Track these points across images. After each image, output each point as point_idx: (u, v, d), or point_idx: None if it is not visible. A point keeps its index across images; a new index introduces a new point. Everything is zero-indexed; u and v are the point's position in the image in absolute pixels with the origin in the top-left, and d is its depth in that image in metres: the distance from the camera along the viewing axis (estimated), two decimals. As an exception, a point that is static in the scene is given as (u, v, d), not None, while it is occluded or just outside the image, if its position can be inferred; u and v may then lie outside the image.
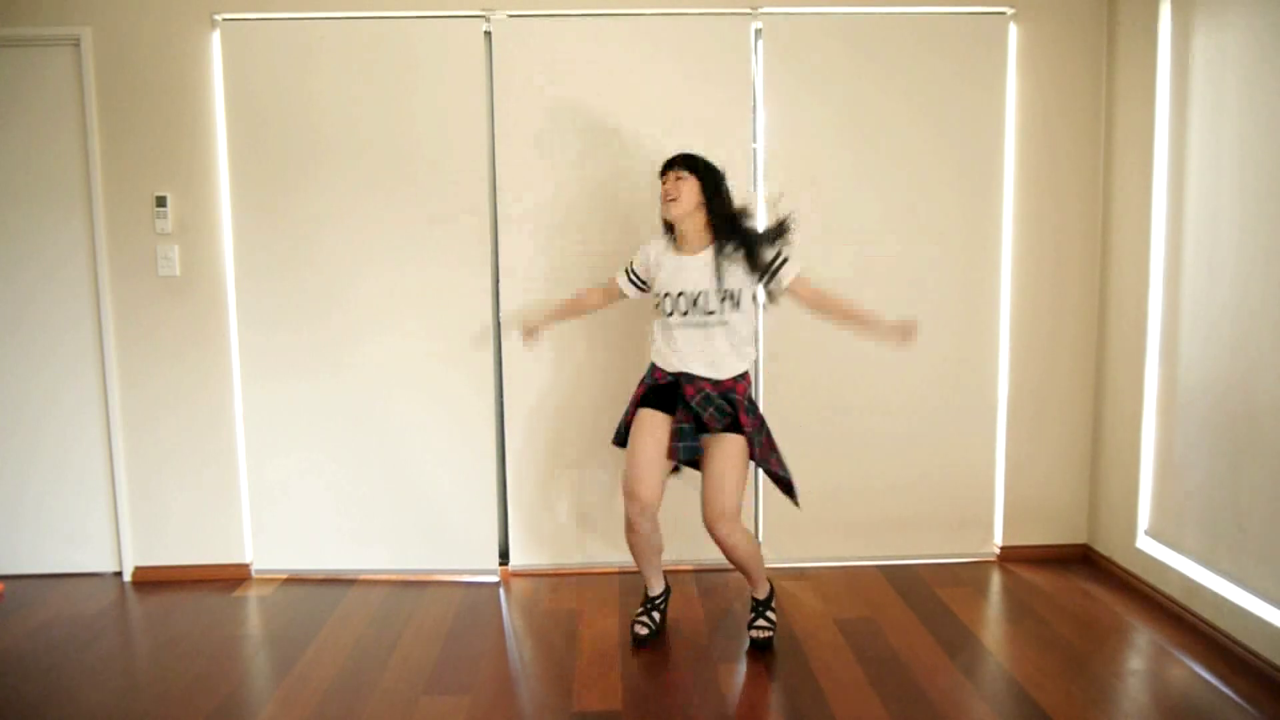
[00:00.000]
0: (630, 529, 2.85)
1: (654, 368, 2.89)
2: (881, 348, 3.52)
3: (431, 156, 3.43)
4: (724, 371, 2.78)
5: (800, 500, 2.95)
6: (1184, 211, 3.03)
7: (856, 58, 3.45)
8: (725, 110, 3.41)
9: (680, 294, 2.77)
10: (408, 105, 3.41)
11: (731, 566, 3.56)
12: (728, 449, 2.75)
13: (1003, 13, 3.45)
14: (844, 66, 3.45)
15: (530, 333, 3.15)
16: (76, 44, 3.36)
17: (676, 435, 2.76)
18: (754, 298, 2.81)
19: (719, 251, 2.76)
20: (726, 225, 2.78)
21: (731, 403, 2.78)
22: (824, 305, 2.85)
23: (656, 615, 3.00)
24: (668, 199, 2.79)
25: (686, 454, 2.75)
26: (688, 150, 2.88)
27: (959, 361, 3.58)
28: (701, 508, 2.78)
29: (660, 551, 2.96)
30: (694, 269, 2.77)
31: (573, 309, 3.16)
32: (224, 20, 3.38)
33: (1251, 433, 2.72)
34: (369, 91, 3.40)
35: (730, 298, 2.74)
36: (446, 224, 3.45)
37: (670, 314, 2.79)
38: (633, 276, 2.96)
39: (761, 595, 2.97)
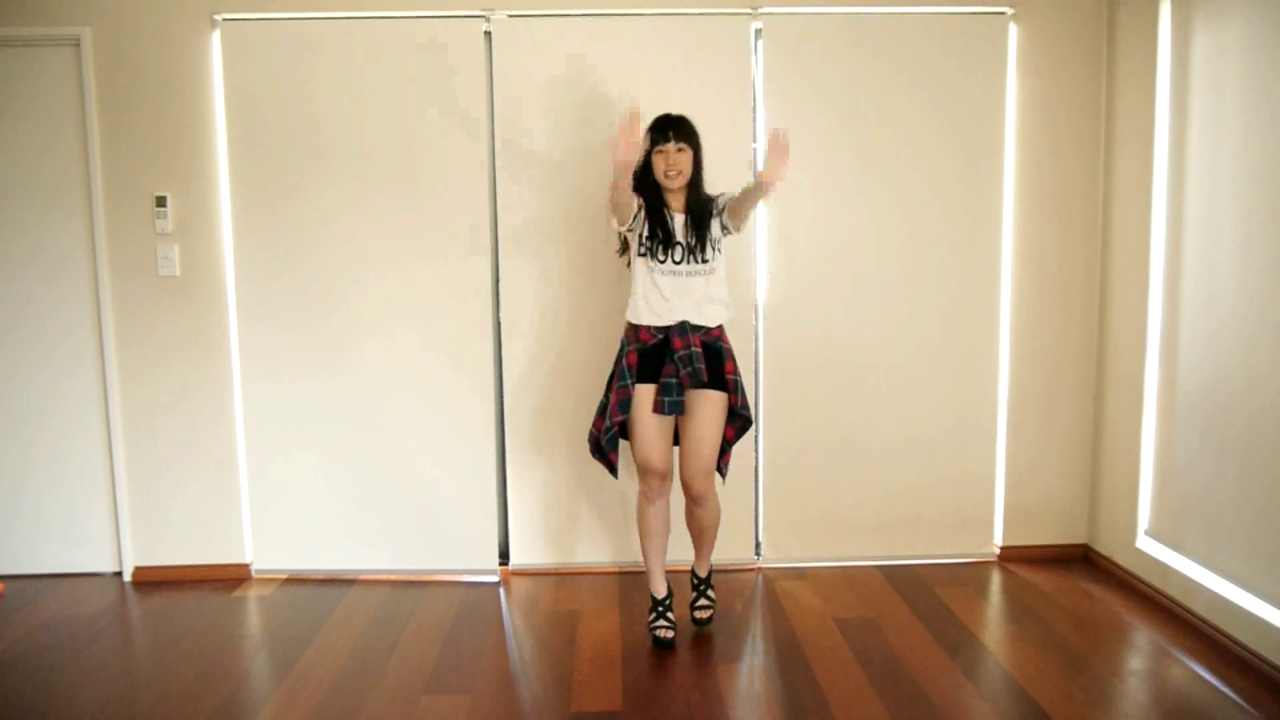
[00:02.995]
0: (648, 503, 2.95)
1: (637, 330, 2.91)
2: (881, 349, 3.54)
3: (431, 156, 3.43)
4: (710, 318, 2.88)
5: (726, 474, 3.02)
6: (1184, 211, 3.03)
7: (856, 58, 3.45)
8: (725, 110, 3.41)
9: (677, 243, 2.86)
10: (408, 105, 3.41)
11: (722, 568, 3.57)
12: (710, 407, 2.87)
13: (1003, 12, 3.45)
14: (844, 66, 3.45)
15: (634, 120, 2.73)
16: (76, 44, 3.36)
17: (662, 390, 2.85)
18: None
19: (699, 205, 2.87)
20: (695, 188, 2.89)
21: (719, 352, 2.90)
22: (743, 200, 2.84)
23: (672, 616, 2.99)
24: (672, 173, 2.83)
25: (673, 409, 2.85)
26: (678, 112, 2.89)
27: (960, 361, 3.58)
28: (680, 464, 2.95)
29: (668, 535, 3.02)
30: (684, 226, 2.88)
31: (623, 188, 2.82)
32: (224, 20, 3.38)
33: (1252, 432, 2.72)
34: (369, 91, 3.40)
35: (716, 246, 2.88)
36: (446, 223, 3.45)
37: (664, 261, 2.85)
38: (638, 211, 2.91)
39: (703, 572, 3.07)
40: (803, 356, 3.54)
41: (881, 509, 3.61)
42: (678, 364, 2.83)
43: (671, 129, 2.84)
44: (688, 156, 2.85)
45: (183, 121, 3.41)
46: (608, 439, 2.93)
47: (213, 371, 3.50)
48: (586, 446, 3.51)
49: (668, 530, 3.02)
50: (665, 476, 2.93)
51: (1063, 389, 3.59)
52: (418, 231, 3.45)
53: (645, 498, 2.96)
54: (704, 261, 2.86)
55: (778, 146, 2.68)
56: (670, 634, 2.93)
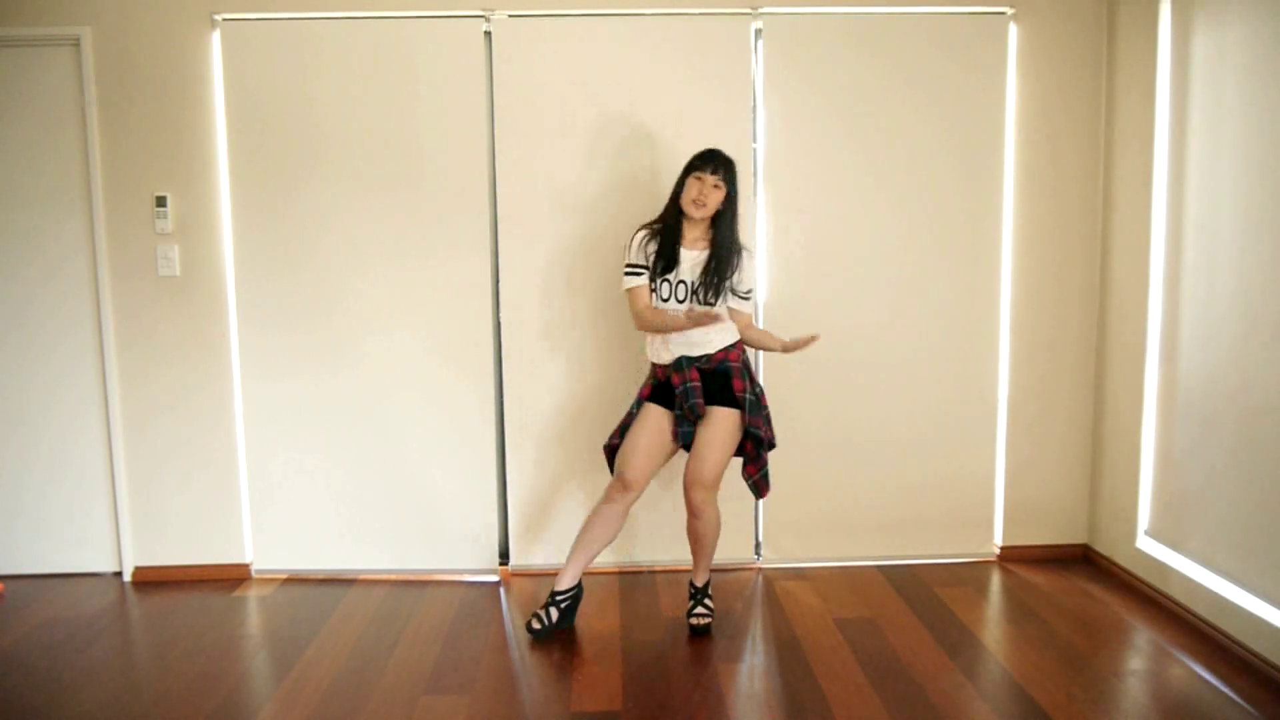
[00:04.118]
0: (606, 501, 2.97)
1: (654, 367, 3.01)
2: (881, 348, 3.54)
3: (431, 156, 3.43)
4: (713, 347, 2.91)
5: (768, 492, 3.05)
6: (1184, 211, 3.03)
7: (856, 58, 3.45)
8: (725, 110, 3.41)
9: (680, 282, 2.89)
10: (408, 105, 3.41)
11: (722, 567, 3.57)
12: (718, 421, 2.90)
13: (1003, 12, 3.45)
14: (844, 66, 3.45)
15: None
16: (76, 44, 3.36)
17: (678, 422, 2.91)
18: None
19: (721, 251, 2.89)
20: (727, 230, 2.91)
21: (726, 373, 2.91)
22: (744, 335, 3.00)
23: (555, 612, 2.98)
24: (700, 202, 2.85)
25: (685, 439, 2.92)
26: (723, 150, 2.92)
27: (959, 361, 3.58)
28: (684, 473, 2.95)
29: (605, 546, 3.01)
30: (696, 262, 2.90)
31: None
32: (224, 20, 3.38)
33: (1252, 432, 2.72)
34: (369, 91, 3.40)
35: (728, 293, 2.92)
36: (446, 223, 3.45)
37: (666, 300, 2.90)
38: (641, 271, 2.94)
39: (700, 582, 3.08)
40: (802, 356, 3.51)
41: (881, 509, 3.61)
42: (678, 401, 2.90)
43: (717, 162, 2.86)
44: (720, 195, 2.86)
45: (183, 121, 3.41)
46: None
47: (213, 371, 3.50)
48: (587, 449, 3.53)
49: (609, 537, 2.99)
50: (631, 487, 2.93)
51: (1062, 388, 3.59)
52: (418, 231, 3.45)
53: (607, 497, 2.98)
54: (707, 304, 2.88)
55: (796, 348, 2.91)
56: (539, 625, 2.95)
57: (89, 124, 3.38)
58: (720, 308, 2.90)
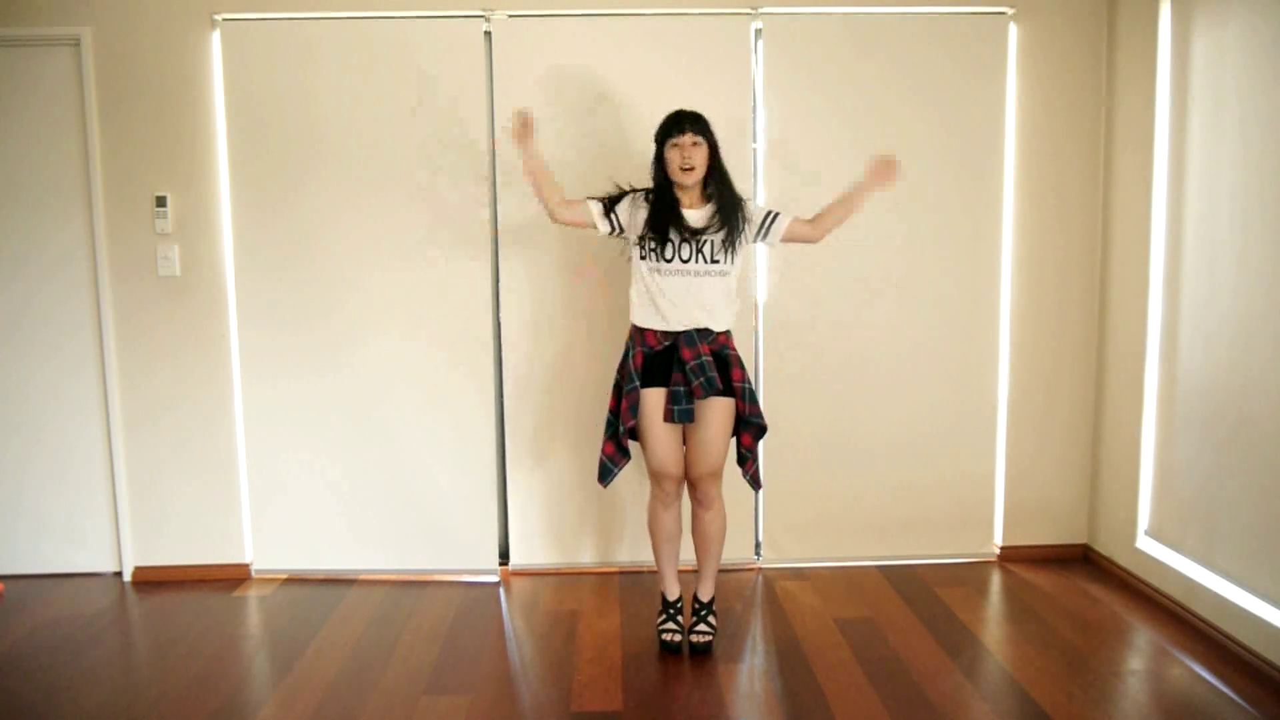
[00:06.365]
0: (663, 508, 2.93)
1: (643, 333, 2.83)
2: (881, 349, 3.54)
3: (431, 156, 3.43)
4: (719, 322, 2.81)
5: (761, 482, 3.04)
6: (1184, 211, 3.03)
7: (856, 58, 3.45)
8: (725, 110, 3.40)
9: (685, 241, 2.76)
10: (408, 105, 3.41)
11: (722, 568, 3.57)
12: (719, 411, 2.82)
13: (1003, 12, 3.45)
14: (844, 66, 3.45)
15: (525, 126, 2.84)
16: (76, 44, 3.36)
17: (672, 399, 2.79)
18: (740, 252, 2.86)
19: (725, 207, 2.79)
20: (721, 182, 2.82)
21: (725, 359, 2.83)
22: (823, 225, 2.92)
23: (681, 620, 2.97)
24: (686, 168, 2.75)
25: (682, 417, 2.78)
26: (693, 108, 2.82)
27: (959, 361, 3.58)
28: (686, 465, 2.88)
29: (680, 538, 2.99)
30: (698, 219, 2.79)
31: (554, 191, 2.90)
32: (224, 20, 3.38)
33: (1251, 432, 2.72)
34: (369, 91, 3.40)
35: (734, 249, 2.79)
36: (446, 223, 3.45)
37: (670, 259, 2.76)
38: (611, 210, 2.85)
39: (705, 596, 2.95)
40: (803, 356, 3.54)
41: (881, 509, 3.61)
42: (689, 375, 2.76)
43: (687, 121, 2.76)
44: (703, 151, 2.76)
45: (183, 121, 3.41)
46: (617, 450, 2.92)
47: (213, 371, 3.50)
48: (587, 449, 3.53)
49: (680, 534, 2.99)
50: (680, 480, 2.90)
51: (1062, 389, 3.59)
52: (418, 231, 3.45)
53: (660, 503, 2.92)
54: (714, 262, 2.77)
55: (884, 169, 2.88)
56: (678, 638, 2.91)
57: (89, 124, 3.38)
58: (729, 265, 2.78)
